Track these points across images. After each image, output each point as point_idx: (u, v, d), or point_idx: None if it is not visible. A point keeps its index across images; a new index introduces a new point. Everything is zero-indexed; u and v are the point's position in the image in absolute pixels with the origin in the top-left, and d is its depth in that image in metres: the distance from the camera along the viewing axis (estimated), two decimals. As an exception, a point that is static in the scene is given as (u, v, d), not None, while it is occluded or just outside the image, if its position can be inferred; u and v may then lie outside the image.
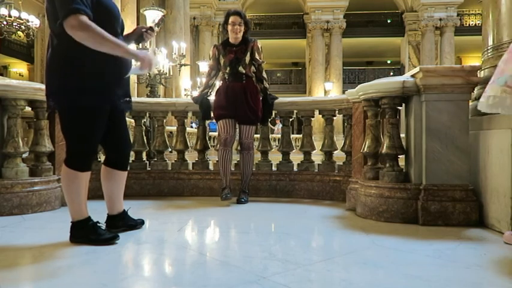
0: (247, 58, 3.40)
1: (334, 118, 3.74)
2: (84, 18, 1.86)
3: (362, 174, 2.96)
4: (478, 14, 21.29)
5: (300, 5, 22.21)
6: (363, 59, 25.04)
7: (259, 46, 3.48)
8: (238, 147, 3.57)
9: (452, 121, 2.55)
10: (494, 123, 2.48)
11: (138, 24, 10.58)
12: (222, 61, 3.45)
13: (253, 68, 3.46)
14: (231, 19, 3.40)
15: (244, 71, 3.40)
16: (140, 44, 7.55)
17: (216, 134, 3.81)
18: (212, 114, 3.61)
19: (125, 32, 2.28)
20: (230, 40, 3.46)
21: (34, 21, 9.89)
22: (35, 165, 3.05)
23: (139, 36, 2.33)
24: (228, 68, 3.41)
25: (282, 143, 3.81)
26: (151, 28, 2.32)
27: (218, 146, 3.51)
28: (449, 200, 2.50)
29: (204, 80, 3.81)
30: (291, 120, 3.86)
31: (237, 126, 3.47)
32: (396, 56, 23.79)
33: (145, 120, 4.46)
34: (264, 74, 3.53)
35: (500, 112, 1.96)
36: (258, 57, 3.45)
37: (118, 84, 2.13)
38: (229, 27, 3.40)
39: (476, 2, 18.30)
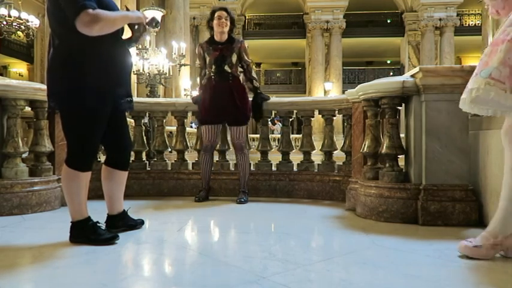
0: (234, 58, 3.37)
1: (334, 118, 3.74)
2: (94, 11, 1.87)
3: (362, 174, 2.97)
4: (478, 14, 21.27)
5: (300, 5, 22.21)
6: (362, 59, 25.03)
7: (246, 46, 3.48)
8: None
9: (452, 121, 2.55)
10: (494, 123, 2.48)
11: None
12: (207, 59, 3.41)
13: (240, 68, 3.43)
14: (217, 14, 3.37)
15: (230, 70, 3.36)
16: (140, 45, 7.54)
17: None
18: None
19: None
20: (215, 37, 3.42)
21: (34, 21, 9.89)
22: (34, 165, 3.05)
23: (135, 32, 2.27)
24: (214, 67, 3.36)
25: (282, 143, 3.81)
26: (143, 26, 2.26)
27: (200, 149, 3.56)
28: (449, 200, 2.50)
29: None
30: (290, 120, 3.86)
31: (228, 128, 3.48)
32: (396, 56, 23.78)
33: (145, 120, 4.46)
34: (254, 74, 3.51)
35: (478, 111, 1.84)
36: (246, 58, 3.44)
37: (119, 84, 2.13)
38: (215, 22, 3.37)
39: (476, 2, 18.28)
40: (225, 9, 3.41)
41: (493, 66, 1.72)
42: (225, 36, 3.40)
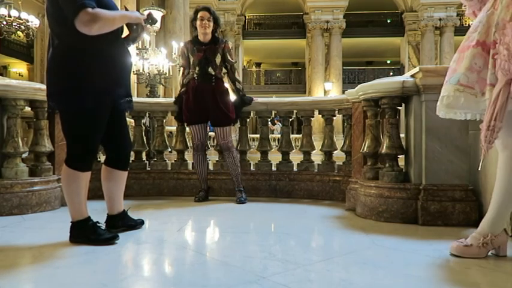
0: (218, 59, 3.35)
1: (334, 118, 3.74)
2: (93, 10, 1.87)
3: (362, 174, 2.97)
4: (478, 14, 21.26)
5: (300, 5, 22.21)
6: (362, 59, 25.03)
7: (231, 47, 3.46)
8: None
9: (452, 121, 2.52)
10: (494, 123, 2.48)
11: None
12: (191, 60, 3.40)
13: (224, 69, 3.42)
14: (199, 14, 3.35)
15: (213, 73, 3.34)
16: (140, 43, 7.54)
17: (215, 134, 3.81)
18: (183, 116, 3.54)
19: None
20: (199, 37, 3.40)
21: (34, 21, 9.90)
22: (34, 165, 3.05)
23: (133, 32, 2.27)
24: (197, 68, 3.35)
25: (282, 143, 3.81)
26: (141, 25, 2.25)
27: (192, 150, 3.57)
28: (449, 200, 2.50)
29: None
30: (290, 120, 3.86)
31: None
32: (396, 56, 23.78)
33: (144, 120, 4.46)
34: (237, 75, 3.50)
35: (454, 116, 1.88)
36: (229, 58, 3.41)
37: (119, 83, 2.13)
38: (198, 23, 3.35)
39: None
40: (208, 10, 3.38)
41: (460, 72, 1.77)
42: (209, 37, 3.38)
